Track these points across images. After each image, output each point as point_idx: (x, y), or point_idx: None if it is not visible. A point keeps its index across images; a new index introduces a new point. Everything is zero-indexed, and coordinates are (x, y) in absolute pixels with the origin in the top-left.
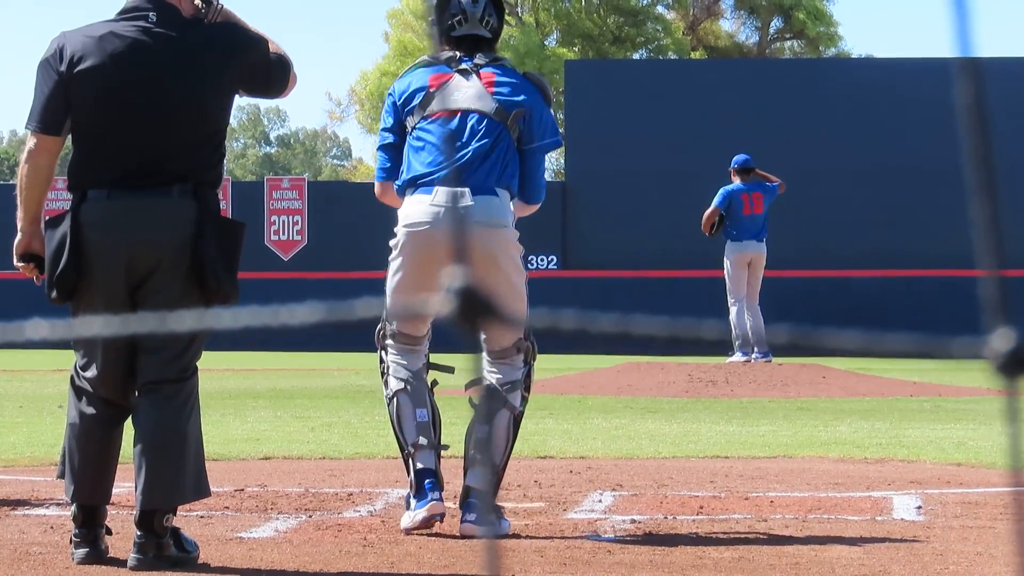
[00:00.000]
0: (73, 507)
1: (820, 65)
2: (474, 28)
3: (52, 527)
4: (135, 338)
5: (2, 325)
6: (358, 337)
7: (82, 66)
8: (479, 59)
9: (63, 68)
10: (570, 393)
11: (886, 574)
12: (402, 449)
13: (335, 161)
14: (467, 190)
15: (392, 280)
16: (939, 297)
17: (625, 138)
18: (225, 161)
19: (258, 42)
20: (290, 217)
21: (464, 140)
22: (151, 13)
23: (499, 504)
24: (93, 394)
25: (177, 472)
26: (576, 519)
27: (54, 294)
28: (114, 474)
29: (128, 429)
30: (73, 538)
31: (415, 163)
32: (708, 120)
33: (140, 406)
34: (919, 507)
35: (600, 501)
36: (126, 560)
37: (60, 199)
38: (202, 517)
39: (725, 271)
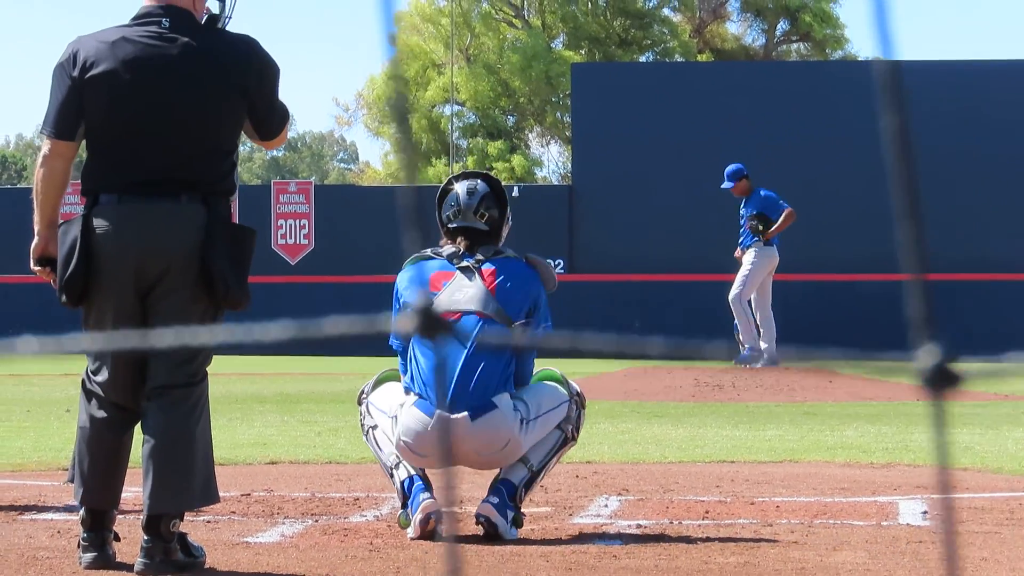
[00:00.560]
0: (81, 511)
1: (827, 67)
2: (468, 221)
3: (59, 532)
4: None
5: None
6: (365, 341)
7: (94, 71)
8: (480, 255)
9: (76, 73)
10: None
11: None
12: (388, 473)
13: (342, 165)
14: (465, 416)
15: (395, 441)
16: (946, 301)
17: (632, 141)
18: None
19: (272, 65)
20: (297, 221)
21: (464, 345)
22: (164, 19)
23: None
24: (104, 398)
25: (185, 477)
26: (582, 524)
27: (64, 298)
28: (123, 478)
29: (138, 433)
30: (81, 542)
31: (417, 371)
32: (715, 123)
33: (148, 411)
34: (925, 512)
35: (606, 506)
36: (133, 565)
37: (74, 203)
38: (208, 522)
39: (747, 272)
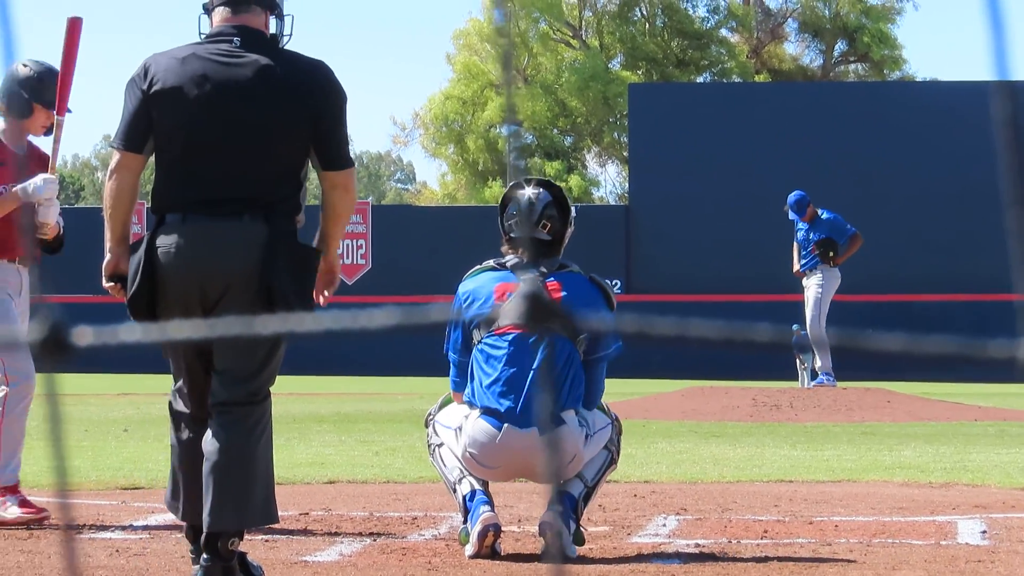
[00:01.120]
0: (185, 526)
1: (884, 88)
2: (530, 231)
3: (117, 550)
4: (211, 360)
5: (97, 328)
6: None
7: (163, 87)
8: (544, 267)
9: (145, 87)
10: (634, 417)
11: None
12: (450, 488)
13: (399, 185)
14: (534, 432)
15: (460, 452)
16: (1001, 320)
17: (689, 161)
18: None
19: (341, 92)
20: (354, 241)
21: (531, 358)
22: (236, 38)
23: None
24: (187, 415)
25: (244, 495)
26: (640, 543)
27: (130, 316)
28: None
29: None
30: (191, 554)
31: (481, 385)
32: (772, 143)
33: (210, 428)
34: (984, 531)
35: (664, 525)
36: None
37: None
38: (267, 540)
39: (815, 296)
